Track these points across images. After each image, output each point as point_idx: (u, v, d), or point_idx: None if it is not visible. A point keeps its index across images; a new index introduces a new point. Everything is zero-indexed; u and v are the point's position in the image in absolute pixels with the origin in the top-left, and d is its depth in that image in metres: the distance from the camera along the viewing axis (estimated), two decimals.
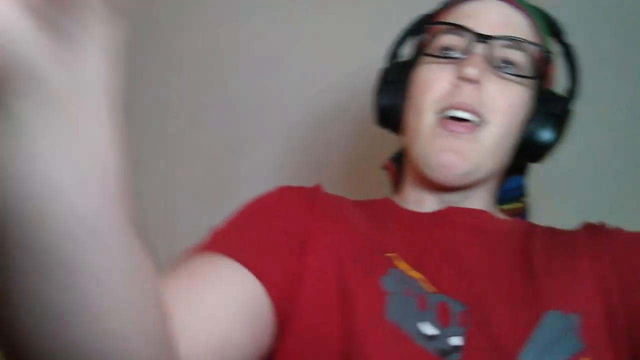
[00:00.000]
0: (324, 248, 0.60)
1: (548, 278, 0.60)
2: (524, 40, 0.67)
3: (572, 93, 0.72)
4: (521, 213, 0.80)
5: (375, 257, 0.61)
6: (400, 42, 0.77)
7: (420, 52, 0.72)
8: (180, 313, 0.45)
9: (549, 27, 0.73)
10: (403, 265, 0.60)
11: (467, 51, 0.66)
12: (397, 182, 0.80)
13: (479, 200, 0.70)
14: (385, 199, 0.74)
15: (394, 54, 0.76)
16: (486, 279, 0.60)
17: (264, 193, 0.66)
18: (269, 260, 0.56)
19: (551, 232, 0.68)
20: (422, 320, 0.56)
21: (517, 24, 0.68)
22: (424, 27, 0.74)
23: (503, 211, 0.77)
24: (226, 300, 0.51)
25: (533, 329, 0.56)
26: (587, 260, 0.61)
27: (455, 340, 0.55)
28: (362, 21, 1.27)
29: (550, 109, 0.68)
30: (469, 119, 0.65)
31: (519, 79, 0.67)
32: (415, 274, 0.59)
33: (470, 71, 0.63)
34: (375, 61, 0.78)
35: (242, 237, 0.58)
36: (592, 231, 0.66)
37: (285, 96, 1.31)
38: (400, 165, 0.78)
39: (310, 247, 0.59)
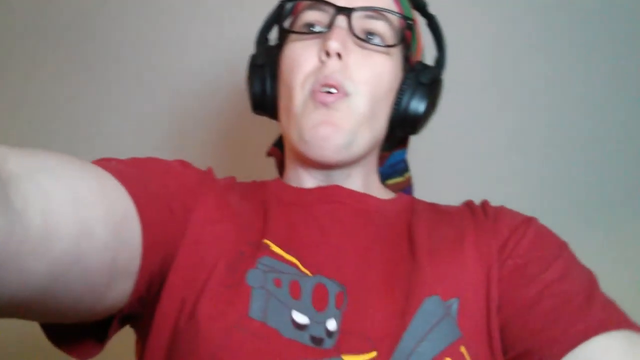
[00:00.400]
0: (200, 237, 0.58)
1: (430, 261, 0.59)
2: (384, 10, 0.67)
3: (440, 62, 0.72)
4: (405, 187, 0.80)
5: (247, 247, 0.59)
6: (267, 26, 0.75)
7: (283, 27, 0.71)
8: (46, 184, 0.39)
9: (411, 1, 0.73)
10: (278, 250, 0.58)
11: (329, 25, 0.65)
12: (281, 166, 0.79)
13: (360, 178, 0.69)
14: (275, 180, 0.73)
15: (262, 39, 0.75)
16: (365, 262, 0.59)
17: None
18: (151, 199, 0.53)
19: (434, 210, 0.68)
20: (293, 308, 0.54)
21: None
22: (287, 6, 0.72)
23: (388, 186, 0.76)
24: (95, 194, 0.44)
25: (411, 317, 0.54)
26: (472, 243, 0.61)
27: (331, 325, 0.54)
28: None
29: (419, 79, 0.68)
30: (335, 93, 0.64)
31: (382, 48, 0.67)
32: (290, 258, 0.58)
33: (332, 45, 0.63)
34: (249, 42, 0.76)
35: (132, 170, 0.54)
36: (476, 211, 0.66)
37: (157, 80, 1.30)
38: (282, 148, 0.77)
39: (189, 227, 0.58)
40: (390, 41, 0.67)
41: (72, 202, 0.41)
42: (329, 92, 0.63)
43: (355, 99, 0.64)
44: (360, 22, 0.66)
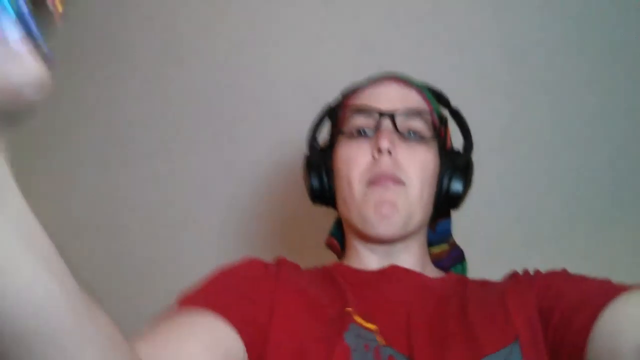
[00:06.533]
0: (288, 319, 0.67)
1: (481, 327, 0.68)
2: (420, 110, 0.80)
3: (468, 147, 0.85)
4: (449, 253, 0.90)
5: (336, 316, 0.68)
6: (315, 127, 0.87)
7: (337, 133, 0.83)
8: None
9: (437, 98, 0.87)
10: (359, 319, 0.68)
11: (377, 127, 0.78)
12: (340, 251, 0.89)
13: (416, 251, 0.81)
14: (335, 263, 0.83)
15: (312, 139, 0.87)
16: (425, 332, 0.68)
17: (233, 263, 0.73)
18: (244, 313, 0.63)
19: (480, 284, 0.78)
20: None
21: (412, 99, 0.82)
22: (336, 112, 0.85)
23: (434, 255, 0.88)
24: (204, 351, 0.57)
25: None
26: (512, 298, 0.71)
27: None
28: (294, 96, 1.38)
29: (455, 164, 0.82)
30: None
31: (422, 141, 0.79)
32: (370, 326, 0.67)
33: (383, 144, 0.75)
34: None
35: (218, 293, 0.65)
36: (516, 276, 0.77)
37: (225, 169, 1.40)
38: (339, 235, 0.89)
39: (276, 316, 0.67)
40: (428, 135, 0.80)
41: None
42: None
43: (409, 188, 0.76)
44: (401, 122, 0.78)
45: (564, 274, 0.73)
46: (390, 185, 0.75)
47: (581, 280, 0.70)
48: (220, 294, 0.65)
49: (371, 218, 0.75)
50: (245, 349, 0.61)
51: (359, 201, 0.77)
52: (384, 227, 0.75)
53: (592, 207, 1.30)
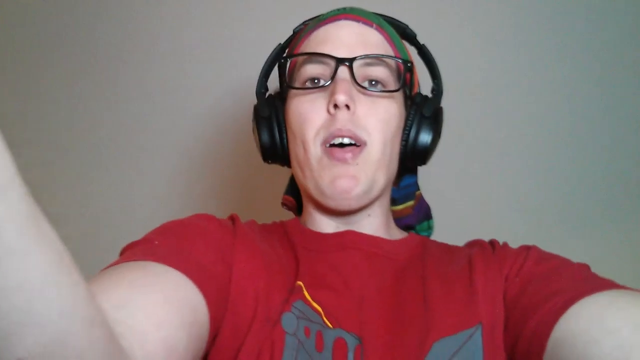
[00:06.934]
0: (245, 282, 0.60)
1: (442, 300, 0.61)
2: (382, 56, 0.69)
3: (437, 91, 0.75)
4: (414, 209, 0.82)
5: (286, 290, 0.61)
6: (265, 75, 0.77)
7: (288, 84, 0.73)
8: (131, 322, 0.44)
9: (401, 33, 0.76)
10: (308, 296, 0.61)
11: (333, 76, 0.67)
12: (297, 209, 0.82)
13: (380, 214, 0.73)
14: (294, 221, 0.75)
15: (262, 88, 0.76)
16: (381, 311, 0.61)
17: (183, 218, 0.65)
18: (206, 274, 0.56)
19: (444, 249, 0.71)
20: None
21: (372, 41, 0.71)
22: (285, 57, 0.74)
23: (397, 212, 0.80)
24: (170, 308, 0.49)
25: None
26: (481, 274, 0.64)
27: None
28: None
29: (423, 113, 0.71)
30: (349, 143, 0.67)
31: (386, 93, 0.69)
32: (316, 306, 0.60)
33: (340, 99, 0.65)
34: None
35: (177, 248, 0.57)
36: (485, 247, 0.69)
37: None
38: (295, 193, 0.80)
39: (234, 278, 0.60)
40: (393, 85, 0.70)
41: (158, 331, 0.46)
42: (343, 145, 0.66)
43: (369, 149, 0.67)
44: (361, 70, 0.68)
45: (535, 255, 0.64)
46: (349, 157, 0.66)
47: (555, 266, 0.61)
48: (177, 250, 0.56)
49: (328, 190, 0.66)
50: (208, 313, 0.54)
51: (315, 167, 0.68)
52: (343, 202, 0.67)
53: (591, 205, 1.27)
